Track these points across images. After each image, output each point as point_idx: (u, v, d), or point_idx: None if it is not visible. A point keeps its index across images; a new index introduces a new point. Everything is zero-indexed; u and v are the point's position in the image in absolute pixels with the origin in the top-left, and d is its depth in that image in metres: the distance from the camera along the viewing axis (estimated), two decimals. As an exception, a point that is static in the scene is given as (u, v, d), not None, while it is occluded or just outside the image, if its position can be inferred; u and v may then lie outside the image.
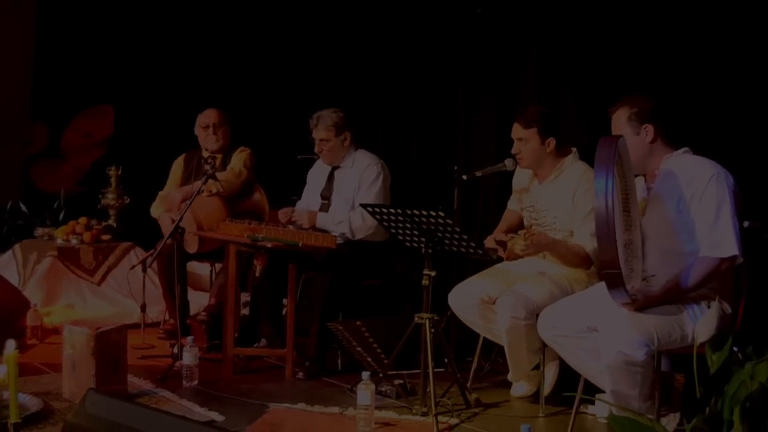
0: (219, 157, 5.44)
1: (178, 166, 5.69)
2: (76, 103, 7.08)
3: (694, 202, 3.42)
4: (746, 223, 3.45)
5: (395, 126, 6.01)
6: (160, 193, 5.64)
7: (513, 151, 4.31)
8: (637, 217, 3.49)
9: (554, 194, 4.26)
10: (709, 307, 3.42)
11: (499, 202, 4.80)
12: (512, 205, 4.61)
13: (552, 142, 4.25)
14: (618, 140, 3.29)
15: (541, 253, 4.19)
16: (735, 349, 2.84)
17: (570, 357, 3.76)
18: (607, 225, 3.12)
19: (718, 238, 3.37)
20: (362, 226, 4.87)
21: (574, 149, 4.31)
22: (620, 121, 3.61)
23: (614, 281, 3.19)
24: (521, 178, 4.49)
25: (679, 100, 4.21)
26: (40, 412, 3.79)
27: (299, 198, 5.36)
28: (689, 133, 3.66)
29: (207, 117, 5.51)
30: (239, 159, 5.45)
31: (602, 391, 3.61)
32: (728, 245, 3.36)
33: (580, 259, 4.14)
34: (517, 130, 4.28)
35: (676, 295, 3.44)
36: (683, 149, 3.59)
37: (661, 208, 3.50)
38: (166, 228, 5.18)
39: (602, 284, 3.75)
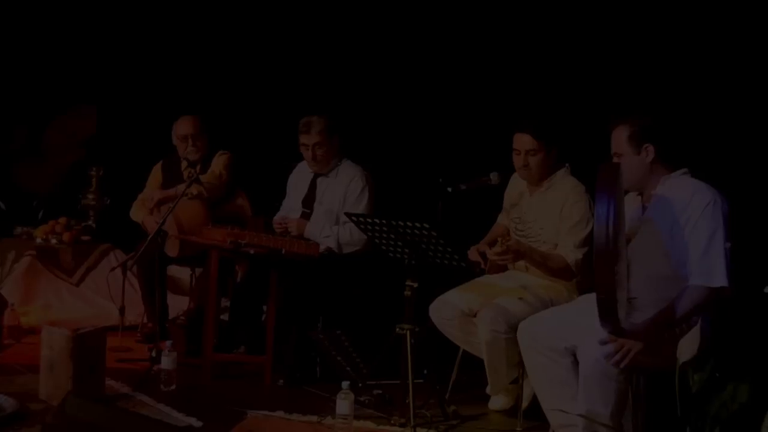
0: (199, 166, 5.43)
1: (156, 172, 5.67)
2: (58, 103, 7.03)
3: (687, 228, 3.36)
4: (728, 244, 3.45)
5: (381, 136, 6.02)
6: (140, 196, 5.61)
7: (521, 163, 4.23)
8: (623, 247, 3.45)
9: (542, 206, 4.26)
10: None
11: (483, 215, 4.82)
12: (502, 219, 4.61)
13: (554, 153, 4.25)
14: (619, 168, 3.27)
15: (518, 260, 4.18)
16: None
17: (533, 372, 3.77)
18: (606, 250, 3.06)
19: (708, 267, 3.32)
20: (350, 241, 4.87)
21: (567, 164, 4.31)
22: (620, 138, 3.53)
23: (607, 308, 3.15)
24: (514, 189, 4.49)
25: (677, 121, 4.22)
26: (16, 413, 3.77)
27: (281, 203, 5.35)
28: (688, 154, 3.60)
29: (184, 128, 5.45)
30: (219, 162, 5.45)
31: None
32: (718, 275, 3.31)
33: (560, 269, 4.14)
34: (527, 142, 4.20)
35: (665, 328, 3.39)
36: (682, 171, 3.53)
37: (653, 231, 3.47)
38: (151, 231, 5.16)
39: (586, 297, 3.78)
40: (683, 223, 3.38)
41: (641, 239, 3.51)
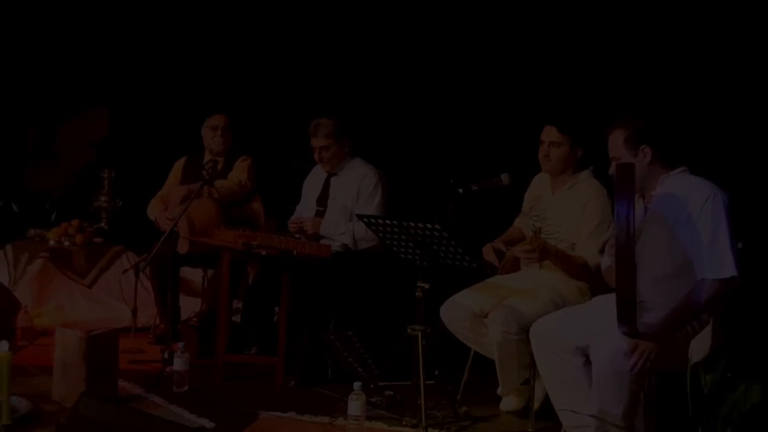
0: (221, 160, 5.47)
1: (178, 168, 5.70)
2: (70, 105, 7.07)
3: (689, 225, 3.35)
4: (740, 245, 3.44)
5: (392, 137, 6.03)
6: (159, 193, 5.64)
7: (542, 154, 4.28)
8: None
9: (564, 205, 4.26)
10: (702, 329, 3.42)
11: (494, 216, 4.82)
12: (519, 222, 4.60)
13: (580, 151, 4.26)
14: (634, 168, 3.27)
15: (543, 260, 4.16)
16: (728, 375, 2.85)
17: (546, 372, 3.77)
18: (627, 252, 3.06)
19: (716, 259, 3.31)
20: (365, 237, 4.88)
21: (591, 166, 4.31)
22: (617, 142, 3.54)
23: (626, 311, 3.15)
24: (533, 193, 4.50)
25: (673, 119, 4.22)
26: (29, 414, 3.78)
27: (295, 207, 5.36)
28: (686, 152, 3.61)
29: (217, 119, 5.57)
30: (242, 169, 5.49)
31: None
32: (727, 267, 3.30)
33: (581, 270, 4.14)
34: (552, 134, 4.25)
35: (679, 326, 3.38)
36: (680, 169, 3.52)
37: (655, 232, 3.46)
38: (164, 228, 5.18)
39: (599, 299, 3.78)
40: (684, 221, 3.38)
41: (645, 240, 3.48)
